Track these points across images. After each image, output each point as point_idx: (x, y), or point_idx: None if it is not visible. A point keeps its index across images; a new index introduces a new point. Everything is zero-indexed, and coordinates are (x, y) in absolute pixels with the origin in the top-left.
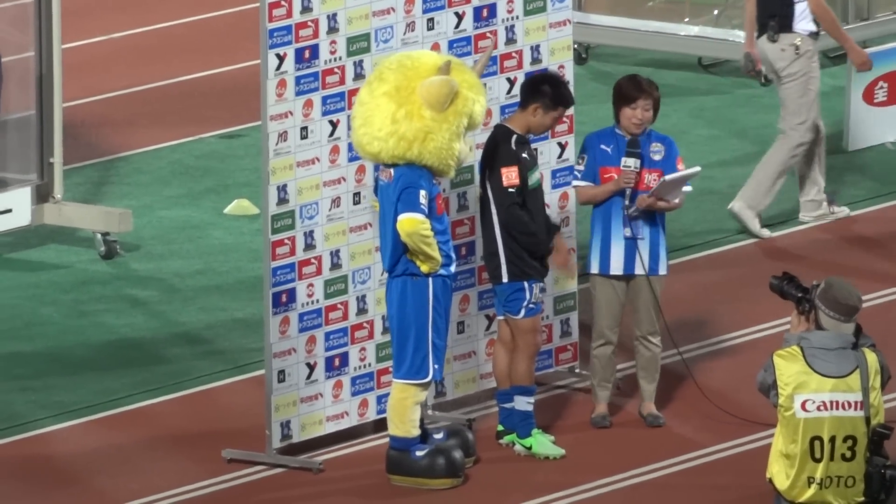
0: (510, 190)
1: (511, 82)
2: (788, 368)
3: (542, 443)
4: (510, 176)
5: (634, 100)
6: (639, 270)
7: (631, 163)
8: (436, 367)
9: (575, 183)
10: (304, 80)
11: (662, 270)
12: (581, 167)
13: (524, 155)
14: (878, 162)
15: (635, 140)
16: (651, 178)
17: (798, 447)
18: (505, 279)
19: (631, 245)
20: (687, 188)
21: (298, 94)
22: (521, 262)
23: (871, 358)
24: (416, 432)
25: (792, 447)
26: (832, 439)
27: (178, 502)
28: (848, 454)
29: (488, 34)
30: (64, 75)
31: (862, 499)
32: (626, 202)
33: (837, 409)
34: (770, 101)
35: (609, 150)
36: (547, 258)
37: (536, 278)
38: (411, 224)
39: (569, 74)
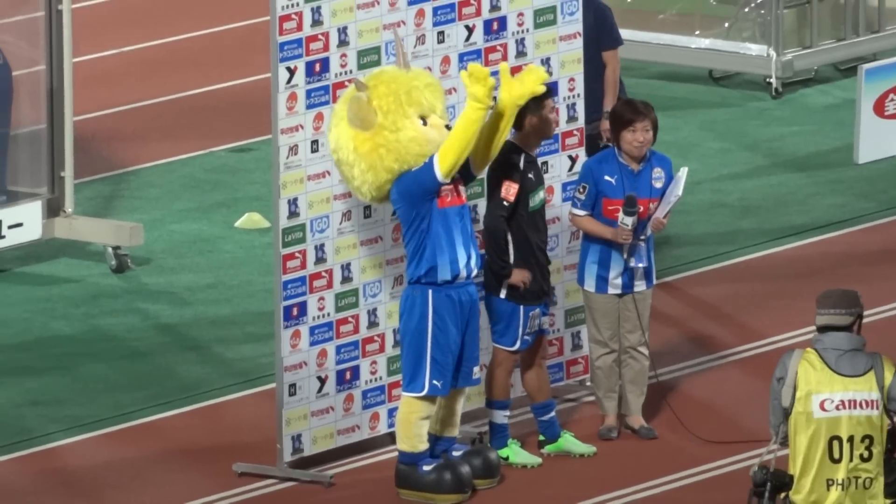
0: (504, 202)
1: None
2: (805, 368)
3: (518, 452)
4: (509, 190)
5: (632, 122)
6: (638, 287)
7: (629, 221)
8: (434, 382)
9: (574, 211)
10: (315, 94)
11: (652, 283)
12: (582, 196)
13: (530, 175)
14: (888, 174)
15: (632, 199)
16: (654, 207)
17: (814, 449)
18: (502, 294)
19: (629, 270)
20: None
21: (309, 107)
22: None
23: (886, 358)
24: (423, 447)
25: (807, 451)
26: (850, 439)
27: None
28: (866, 454)
29: (498, 47)
30: (74, 89)
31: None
32: (625, 255)
33: (855, 408)
34: (781, 113)
35: (613, 181)
36: (549, 283)
37: (533, 303)
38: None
39: (579, 88)
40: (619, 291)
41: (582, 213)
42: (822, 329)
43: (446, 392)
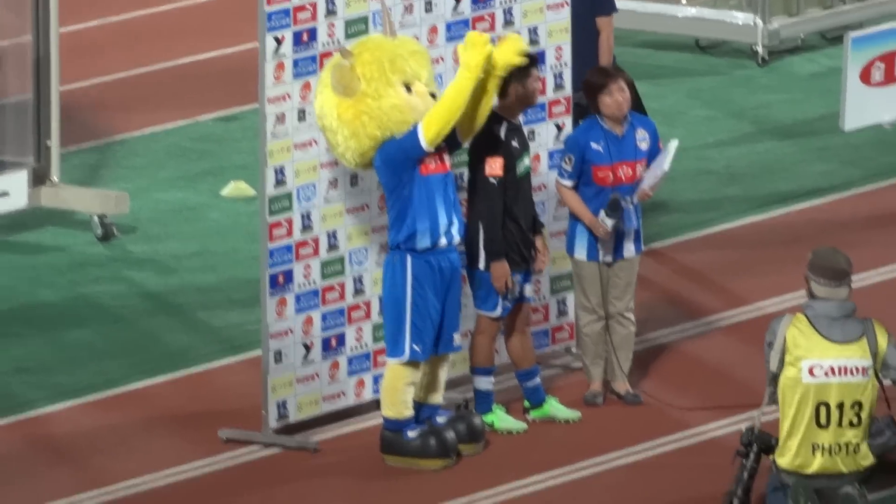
0: (491, 180)
1: None
2: (794, 333)
3: (503, 418)
4: (494, 166)
5: (606, 85)
6: (628, 254)
7: (609, 223)
8: (415, 347)
9: (561, 181)
10: (302, 63)
11: (640, 249)
12: (568, 167)
13: (514, 143)
14: (874, 142)
15: (616, 202)
16: (642, 170)
17: (801, 414)
18: (481, 266)
19: (619, 233)
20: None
21: (296, 76)
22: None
23: (878, 323)
24: (408, 413)
25: (794, 415)
26: (840, 405)
27: (175, 482)
28: (855, 420)
29: (486, 16)
30: (61, 59)
31: (868, 462)
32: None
33: (845, 374)
34: (767, 81)
35: (600, 148)
36: (531, 251)
37: (514, 270)
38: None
39: (566, 56)
40: (610, 259)
41: (569, 183)
42: (818, 298)
43: (426, 357)
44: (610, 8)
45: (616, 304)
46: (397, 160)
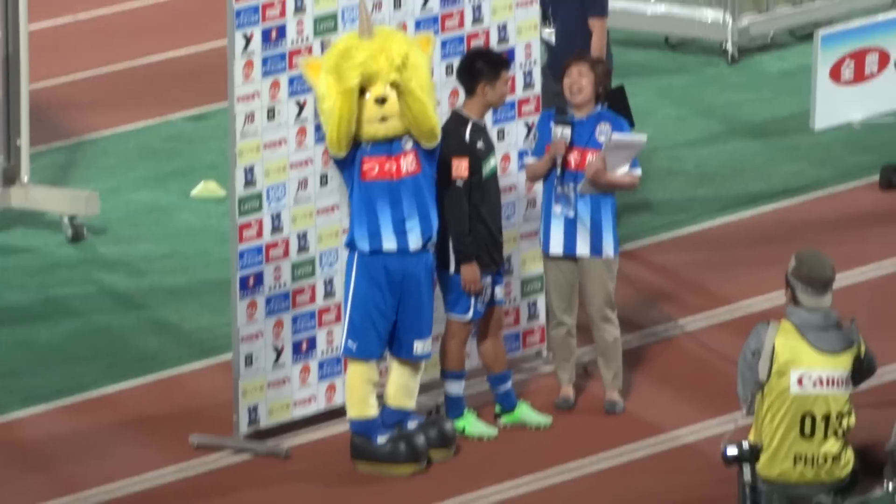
0: (457, 182)
1: None
2: (782, 341)
3: (474, 423)
4: (459, 168)
5: (568, 66)
6: (580, 252)
7: (558, 131)
8: (349, 343)
9: (526, 159)
10: (271, 61)
11: (608, 253)
12: (532, 144)
13: (479, 145)
14: (844, 141)
15: (563, 108)
16: (591, 158)
17: (785, 423)
18: (451, 269)
19: (570, 225)
20: (636, 171)
21: (265, 74)
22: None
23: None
24: (370, 412)
25: (776, 423)
26: (826, 417)
27: (147, 488)
28: (839, 431)
29: (454, 13)
30: (30, 57)
31: (848, 471)
32: (558, 174)
33: (832, 385)
34: (737, 80)
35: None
36: (500, 252)
37: (484, 273)
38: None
39: (535, 53)
40: (560, 251)
41: (531, 159)
42: (801, 306)
43: (363, 355)
44: (599, 10)
45: (588, 308)
46: (334, 162)
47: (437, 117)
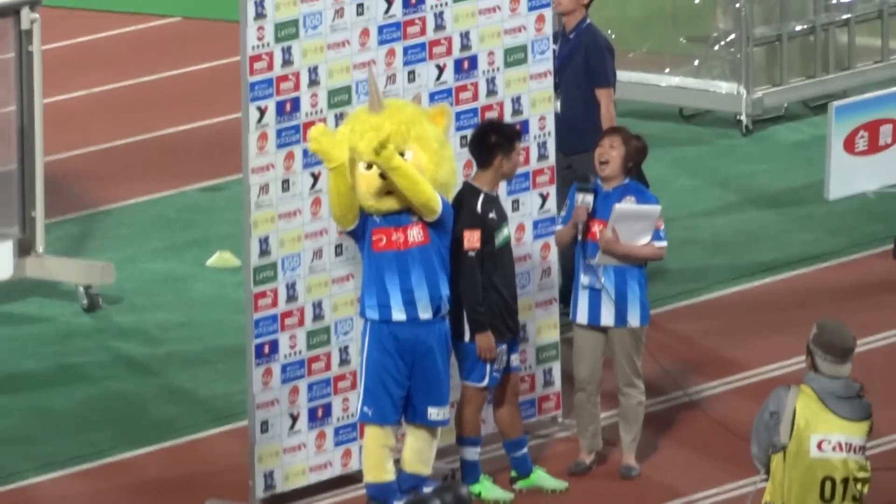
0: (470, 253)
1: None
2: (803, 405)
3: (490, 488)
4: (471, 239)
5: (601, 139)
6: (605, 322)
7: (580, 198)
8: (365, 409)
9: (556, 228)
10: (286, 133)
11: (633, 322)
12: (563, 213)
13: (491, 216)
14: (858, 210)
15: (586, 176)
16: (603, 231)
17: (805, 487)
18: (466, 338)
19: (594, 295)
20: (660, 242)
21: (280, 146)
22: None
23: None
24: (387, 477)
25: (795, 486)
26: (845, 480)
27: None
28: (857, 495)
29: (469, 86)
30: (45, 129)
31: None
32: (579, 240)
33: (851, 451)
34: (751, 150)
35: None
36: (515, 320)
37: (500, 341)
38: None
39: (549, 126)
40: (585, 321)
41: (560, 227)
42: (821, 374)
43: (379, 420)
44: (603, 80)
45: (617, 376)
46: (347, 233)
47: (454, 186)
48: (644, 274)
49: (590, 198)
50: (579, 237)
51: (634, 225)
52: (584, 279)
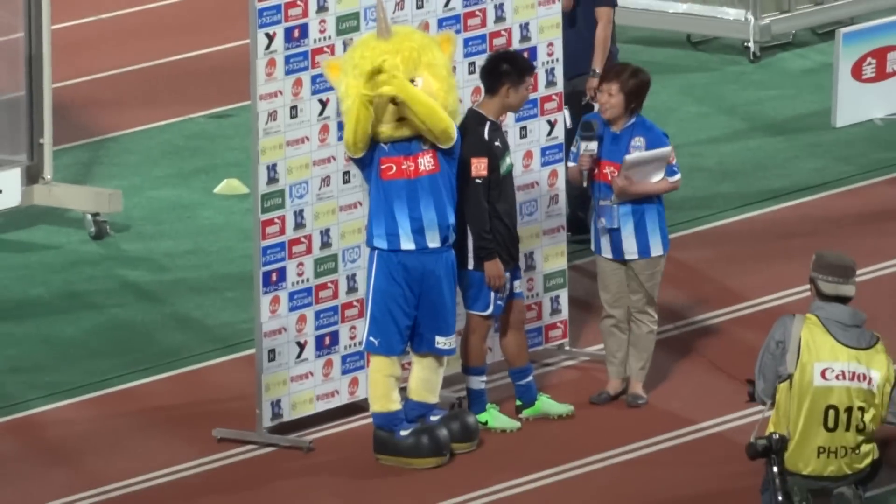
0: (477, 180)
1: None
2: (808, 334)
3: (497, 417)
4: (479, 167)
5: (600, 84)
6: (629, 256)
7: (583, 146)
8: (371, 338)
9: (568, 164)
10: (294, 60)
11: (656, 251)
12: (574, 149)
13: (497, 143)
14: (866, 137)
15: (589, 124)
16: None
17: (809, 416)
18: (470, 266)
19: (615, 234)
20: (674, 177)
21: (288, 73)
22: None
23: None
24: (394, 407)
25: (800, 415)
26: (849, 409)
27: (170, 481)
28: (861, 425)
29: (477, 12)
30: (52, 56)
31: (868, 462)
32: (585, 185)
33: (854, 380)
34: (759, 77)
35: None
36: (517, 248)
37: (503, 268)
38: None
39: (557, 52)
40: (610, 256)
41: (572, 165)
42: (825, 297)
43: (385, 350)
44: (606, 0)
45: (632, 299)
46: (353, 161)
47: (459, 114)
48: (661, 201)
49: (593, 145)
50: (584, 183)
51: (646, 167)
52: (601, 221)
